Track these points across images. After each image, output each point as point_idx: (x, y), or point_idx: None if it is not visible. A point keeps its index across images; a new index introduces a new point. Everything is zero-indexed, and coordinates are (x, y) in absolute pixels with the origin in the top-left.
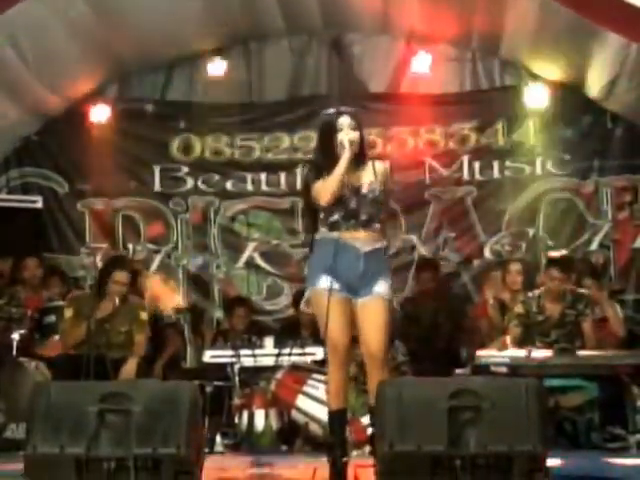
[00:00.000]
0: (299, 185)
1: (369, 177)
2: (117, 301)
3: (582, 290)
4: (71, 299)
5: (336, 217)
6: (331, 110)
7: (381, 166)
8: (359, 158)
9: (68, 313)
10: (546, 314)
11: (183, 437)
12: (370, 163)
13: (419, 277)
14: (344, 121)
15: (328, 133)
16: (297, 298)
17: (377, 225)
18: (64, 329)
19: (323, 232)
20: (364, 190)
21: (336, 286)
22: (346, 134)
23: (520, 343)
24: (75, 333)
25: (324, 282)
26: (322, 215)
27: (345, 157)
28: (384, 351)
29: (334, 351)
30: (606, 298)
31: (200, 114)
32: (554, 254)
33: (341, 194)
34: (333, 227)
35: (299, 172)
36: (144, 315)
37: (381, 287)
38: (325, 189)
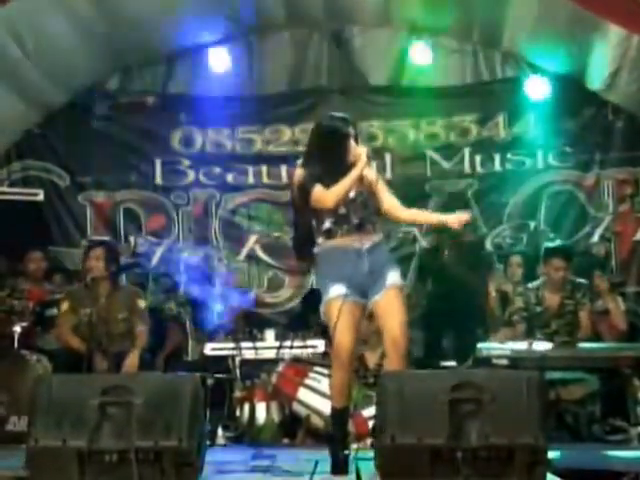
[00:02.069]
0: (292, 185)
1: (357, 181)
2: (105, 287)
3: (581, 280)
4: (68, 292)
5: (328, 224)
6: (334, 115)
7: (370, 172)
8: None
9: (64, 306)
10: (545, 304)
11: (185, 429)
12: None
13: None
14: (351, 131)
15: (339, 141)
16: (306, 299)
17: (370, 226)
18: (59, 323)
19: (321, 242)
20: (352, 195)
21: (345, 291)
22: (363, 148)
23: (524, 337)
24: (70, 328)
25: (334, 291)
26: (315, 224)
27: (358, 168)
28: (407, 337)
29: (338, 355)
30: (608, 291)
31: (201, 107)
32: (552, 244)
33: None
34: (329, 235)
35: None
36: (142, 303)
37: (391, 278)
38: (333, 195)
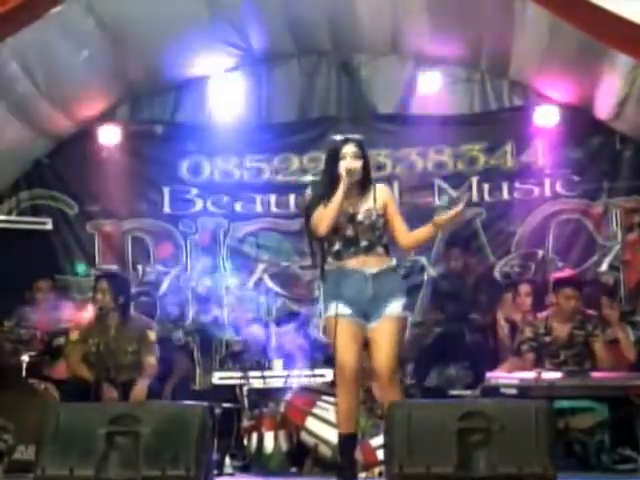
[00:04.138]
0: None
1: (368, 203)
2: (114, 318)
3: (591, 311)
4: (77, 322)
5: (337, 246)
6: (339, 136)
7: (382, 191)
8: (362, 186)
9: (73, 336)
10: (554, 334)
11: (192, 459)
12: (372, 188)
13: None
14: (348, 149)
15: (332, 160)
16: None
17: (380, 249)
18: (68, 353)
19: (330, 262)
20: (360, 217)
21: (348, 311)
22: (348, 163)
23: (533, 367)
24: (80, 358)
25: (335, 309)
26: (326, 245)
27: (341, 187)
28: (392, 369)
29: (342, 374)
30: (617, 320)
31: (209, 135)
32: (562, 274)
33: (337, 223)
34: (337, 256)
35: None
36: (152, 335)
37: (393, 308)
38: (321, 220)
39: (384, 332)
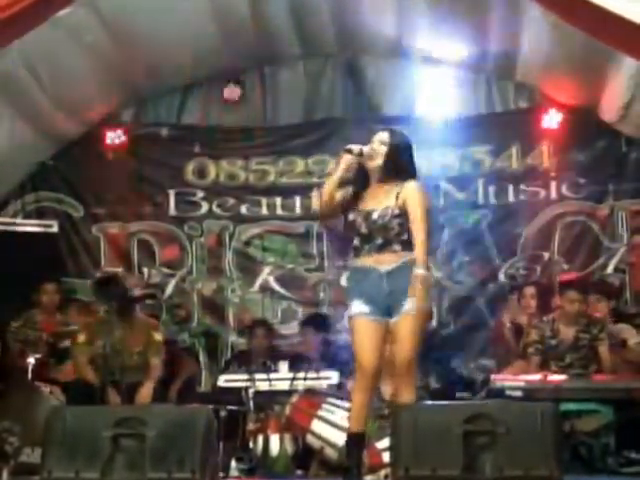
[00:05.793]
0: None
1: (387, 201)
2: (120, 320)
3: (597, 314)
4: (84, 324)
5: (355, 242)
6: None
7: (407, 189)
8: (385, 174)
9: (81, 338)
10: (559, 337)
11: (198, 461)
12: (398, 185)
13: None
14: (378, 136)
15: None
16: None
17: (397, 246)
18: (75, 355)
19: (350, 258)
20: (374, 216)
21: (367, 310)
22: (364, 146)
23: (539, 370)
24: (86, 360)
25: (355, 308)
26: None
27: (342, 161)
28: (409, 366)
29: (361, 373)
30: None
31: (215, 138)
32: (567, 277)
33: (353, 220)
34: (355, 252)
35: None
36: (158, 336)
37: (409, 304)
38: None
39: (401, 329)
